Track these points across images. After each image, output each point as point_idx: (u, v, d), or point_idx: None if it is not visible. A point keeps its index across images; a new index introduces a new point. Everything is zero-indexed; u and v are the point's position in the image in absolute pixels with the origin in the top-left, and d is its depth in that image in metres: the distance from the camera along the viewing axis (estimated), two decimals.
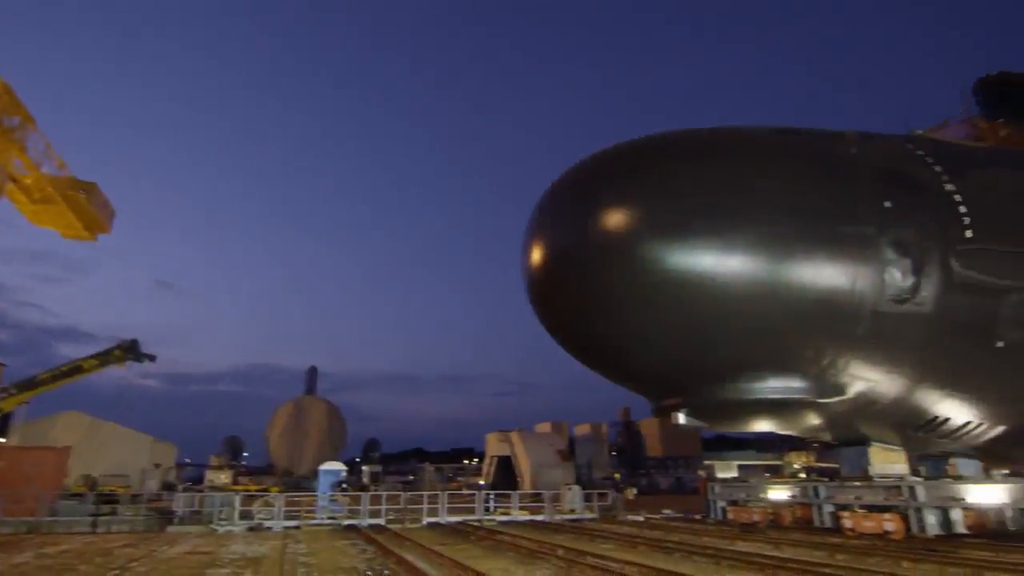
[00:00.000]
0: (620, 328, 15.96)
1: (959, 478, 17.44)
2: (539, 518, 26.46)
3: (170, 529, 22.18)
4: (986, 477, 18.02)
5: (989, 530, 16.89)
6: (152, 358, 34.19)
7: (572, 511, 28.30)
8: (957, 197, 15.89)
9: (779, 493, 22.13)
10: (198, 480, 57.51)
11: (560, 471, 53.43)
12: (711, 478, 28.83)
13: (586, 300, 15.96)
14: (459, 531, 21.34)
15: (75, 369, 32.15)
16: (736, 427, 20.37)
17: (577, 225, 15.74)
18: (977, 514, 16.89)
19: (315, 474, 32.05)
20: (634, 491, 48.97)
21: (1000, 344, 15.78)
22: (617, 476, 61.98)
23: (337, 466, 29.91)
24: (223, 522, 22.63)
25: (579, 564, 12.49)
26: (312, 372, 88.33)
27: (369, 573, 11.68)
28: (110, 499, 28.13)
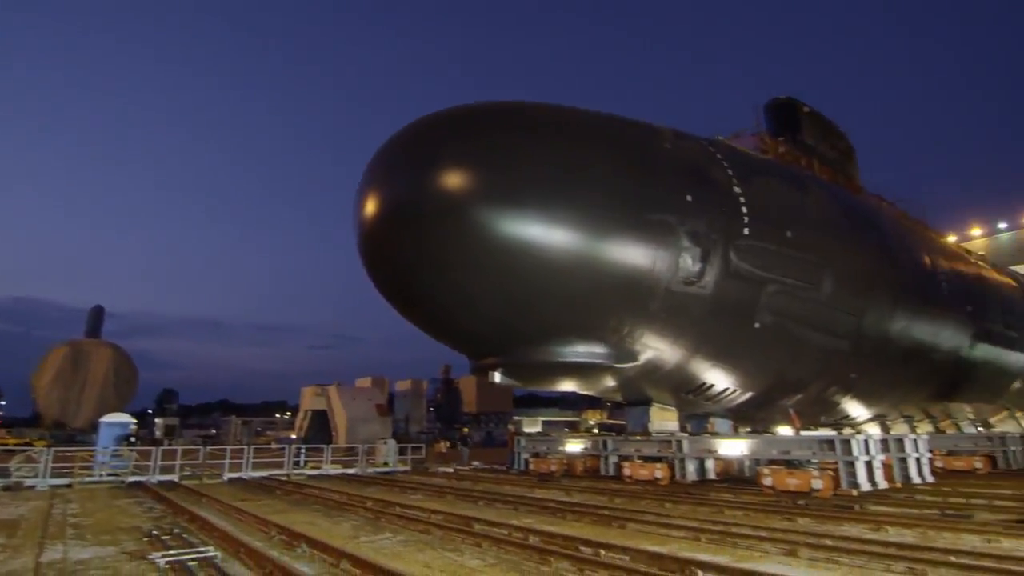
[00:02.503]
0: (447, 288, 16.33)
1: (715, 434, 20.88)
2: (351, 471, 26.45)
3: None
4: (734, 434, 21.80)
5: (732, 476, 20.64)
6: None
7: (386, 464, 28.69)
8: (741, 199, 18.56)
9: (574, 446, 24.57)
10: None
11: (377, 425, 53.58)
12: (518, 432, 31.02)
13: (416, 259, 16.02)
14: (264, 486, 20.56)
15: None
16: (545, 386, 22.14)
17: (412, 184, 15.60)
18: (724, 463, 20.50)
19: (95, 427, 28.29)
20: (447, 444, 50.84)
21: (757, 325, 19.00)
22: (467, 430, 63.19)
23: (123, 418, 26.65)
24: None
25: (386, 514, 12.83)
26: (97, 312, 77.04)
27: (156, 532, 10.77)
28: None
